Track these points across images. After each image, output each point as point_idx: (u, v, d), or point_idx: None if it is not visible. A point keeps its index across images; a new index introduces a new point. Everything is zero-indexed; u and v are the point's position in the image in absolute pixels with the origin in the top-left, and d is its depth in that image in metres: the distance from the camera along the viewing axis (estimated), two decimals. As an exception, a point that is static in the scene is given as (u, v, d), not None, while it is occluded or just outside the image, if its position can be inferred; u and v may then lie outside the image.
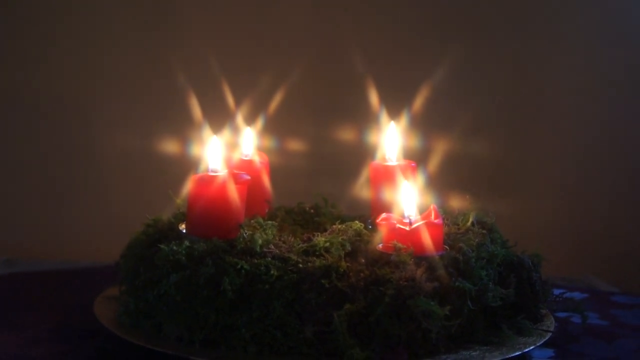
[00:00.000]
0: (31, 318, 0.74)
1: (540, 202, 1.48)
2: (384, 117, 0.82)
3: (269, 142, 0.85)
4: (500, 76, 1.30)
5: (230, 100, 0.87)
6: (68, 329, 0.71)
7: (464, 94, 1.23)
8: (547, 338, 0.66)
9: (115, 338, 0.64)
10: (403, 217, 0.65)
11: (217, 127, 0.84)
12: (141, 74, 1.18)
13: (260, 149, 0.85)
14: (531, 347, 0.63)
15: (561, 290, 0.89)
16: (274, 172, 0.84)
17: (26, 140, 1.42)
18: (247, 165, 0.82)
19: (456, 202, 0.78)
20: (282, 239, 0.67)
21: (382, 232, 0.64)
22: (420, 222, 0.63)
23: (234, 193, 0.64)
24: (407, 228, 0.63)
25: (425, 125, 0.90)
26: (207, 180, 0.64)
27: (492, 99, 1.07)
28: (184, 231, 0.66)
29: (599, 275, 1.47)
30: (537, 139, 1.46)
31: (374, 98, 0.89)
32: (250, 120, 0.85)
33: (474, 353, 0.61)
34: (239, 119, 0.85)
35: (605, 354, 0.70)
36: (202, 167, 0.67)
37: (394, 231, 0.63)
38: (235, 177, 0.66)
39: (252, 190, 0.80)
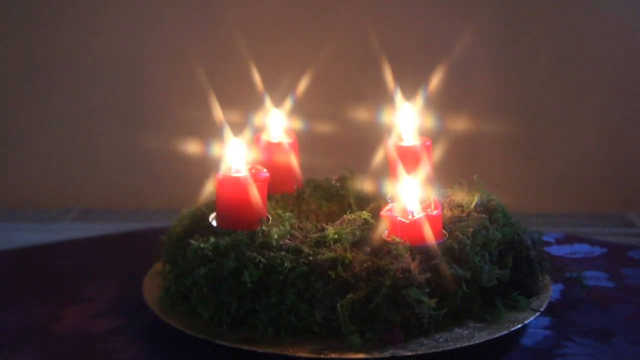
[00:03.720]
0: (94, 289, 0.86)
1: (583, 137, 1.52)
2: (399, 97, 0.88)
3: (297, 123, 0.92)
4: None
5: (259, 83, 0.94)
6: (125, 301, 0.82)
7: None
8: (535, 316, 0.72)
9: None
10: (405, 208, 0.72)
11: (247, 109, 0.93)
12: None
13: (289, 129, 0.93)
14: (518, 326, 0.70)
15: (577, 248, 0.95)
16: (301, 147, 0.92)
17: (101, 99, 1.56)
18: (275, 147, 0.91)
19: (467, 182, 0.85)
20: (300, 226, 0.75)
21: (386, 223, 0.72)
22: (420, 215, 0.70)
23: (254, 192, 0.73)
24: (407, 221, 0.70)
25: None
26: (231, 183, 0.73)
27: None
28: (214, 222, 0.75)
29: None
30: (580, 72, 1.48)
31: (389, 78, 0.94)
32: (278, 102, 0.92)
33: (465, 332, 0.69)
34: (267, 101, 0.92)
35: (596, 323, 0.76)
36: (224, 167, 0.75)
37: (395, 223, 0.71)
38: (255, 176, 0.74)
39: (281, 170, 0.89)
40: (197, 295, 0.71)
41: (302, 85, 0.98)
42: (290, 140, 0.91)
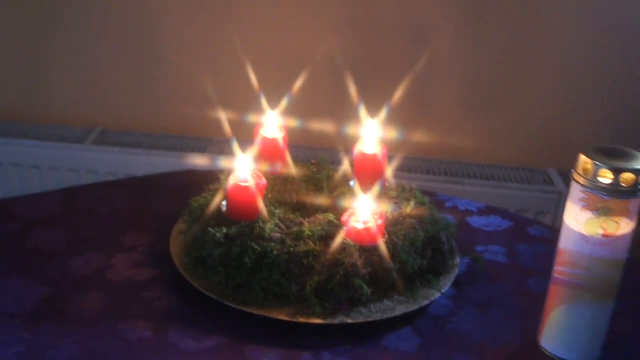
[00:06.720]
0: (132, 239, 1.18)
1: (520, 103, 1.82)
2: (363, 112, 1.17)
3: (290, 121, 1.21)
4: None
5: (255, 82, 1.21)
6: (157, 253, 1.14)
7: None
8: (440, 294, 1.06)
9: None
10: (359, 217, 1.03)
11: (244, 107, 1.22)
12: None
13: (282, 126, 1.21)
14: (427, 302, 1.04)
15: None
16: (291, 139, 1.22)
17: (120, 29, 1.80)
18: (271, 143, 1.20)
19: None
20: (286, 217, 1.07)
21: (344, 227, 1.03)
22: (368, 225, 1.02)
23: (258, 197, 1.04)
24: (359, 227, 1.02)
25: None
26: (240, 190, 1.03)
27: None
28: (225, 209, 1.06)
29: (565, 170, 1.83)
30: (526, 56, 1.76)
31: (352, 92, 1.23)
32: (274, 103, 1.21)
33: (391, 304, 1.02)
34: (264, 102, 1.20)
35: (484, 296, 1.10)
36: (234, 176, 1.05)
37: (351, 228, 1.02)
38: (257, 185, 1.04)
39: (273, 159, 1.19)
40: (211, 268, 1.03)
41: (297, 86, 1.26)
42: (282, 135, 1.21)
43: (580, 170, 0.90)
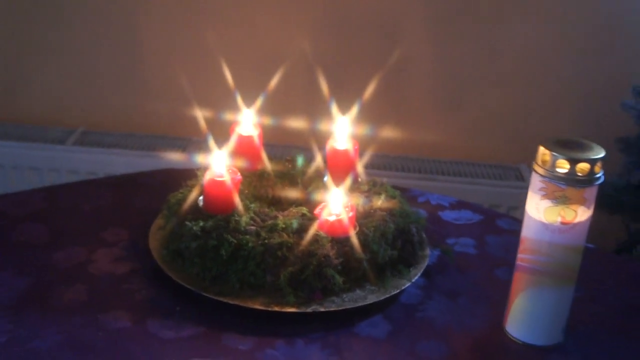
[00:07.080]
0: (113, 235, 1.21)
1: (492, 103, 1.87)
2: (335, 109, 1.21)
3: (265, 119, 1.25)
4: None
5: (231, 82, 1.25)
6: (136, 247, 1.17)
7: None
8: (409, 284, 1.10)
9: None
10: (331, 209, 1.07)
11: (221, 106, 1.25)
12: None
13: (257, 123, 1.25)
14: (396, 291, 1.08)
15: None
16: (266, 136, 1.26)
17: (101, 30, 1.83)
18: (247, 140, 1.24)
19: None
20: (261, 210, 1.10)
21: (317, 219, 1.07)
22: (340, 217, 1.06)
23: (233, 191, 1.07)
24: (331, 219, 1.06)
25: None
26: (216, 184, 1.07)
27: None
28: (201, 204, 1.10)
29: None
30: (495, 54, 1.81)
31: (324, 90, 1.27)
32: (249, 102, 1.24)
33: (362, 293, 1.06)
34: (239, 100, 1.24)
35: (452, 285, 1.15)
36: (210, 171, 1.08)
37: (323, 220, 1.06)
38: (233, 180, 1.08)
39: (249, 155, 1.23)
40: (189, 260, 1.07)
41: (272, 85, 1.30)
42: (257, 132, 1.25)
43: (539, 161, 0.95)
